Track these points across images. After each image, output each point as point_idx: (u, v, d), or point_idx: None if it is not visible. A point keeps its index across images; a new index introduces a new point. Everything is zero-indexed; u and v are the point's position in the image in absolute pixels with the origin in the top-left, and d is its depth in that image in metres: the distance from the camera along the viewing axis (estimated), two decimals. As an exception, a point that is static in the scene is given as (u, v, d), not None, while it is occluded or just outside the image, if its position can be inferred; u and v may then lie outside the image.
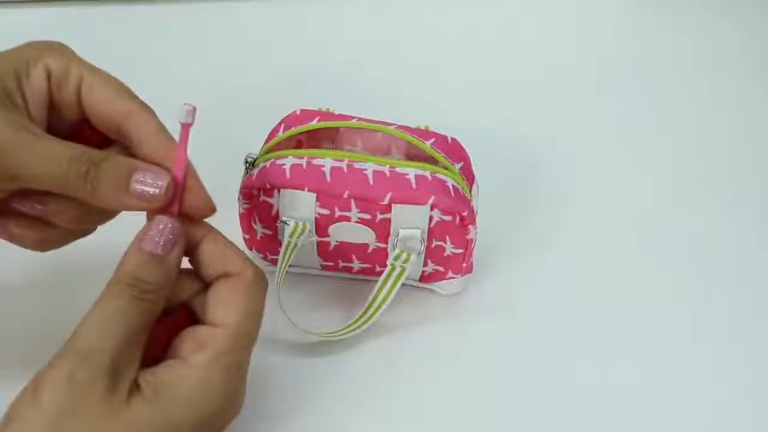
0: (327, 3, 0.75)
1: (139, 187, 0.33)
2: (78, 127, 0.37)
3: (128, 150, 0.36)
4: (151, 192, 0.33)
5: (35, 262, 0.42)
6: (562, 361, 0.46)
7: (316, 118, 0.46)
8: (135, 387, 0.31)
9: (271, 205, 0.44)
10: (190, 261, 0.36)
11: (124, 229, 0.35)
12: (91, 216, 0.37)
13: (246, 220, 0.46)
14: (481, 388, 0.45)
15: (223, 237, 0.36)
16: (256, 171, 0.44)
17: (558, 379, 0.45)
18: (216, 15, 0.73)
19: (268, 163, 0.44)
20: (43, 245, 0.37)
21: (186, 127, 0.34)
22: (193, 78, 0.65)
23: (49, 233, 0.36)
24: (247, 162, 0.46)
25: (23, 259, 0.40)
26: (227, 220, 0.47)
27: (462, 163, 0.46)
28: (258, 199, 0.44)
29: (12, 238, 0.36)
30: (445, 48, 0.71)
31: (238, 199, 0.45)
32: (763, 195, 0.59)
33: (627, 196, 0.58)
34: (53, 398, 0.29)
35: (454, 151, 0.46)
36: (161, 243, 0.33)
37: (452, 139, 0.46)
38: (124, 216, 0.37)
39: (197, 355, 0.32)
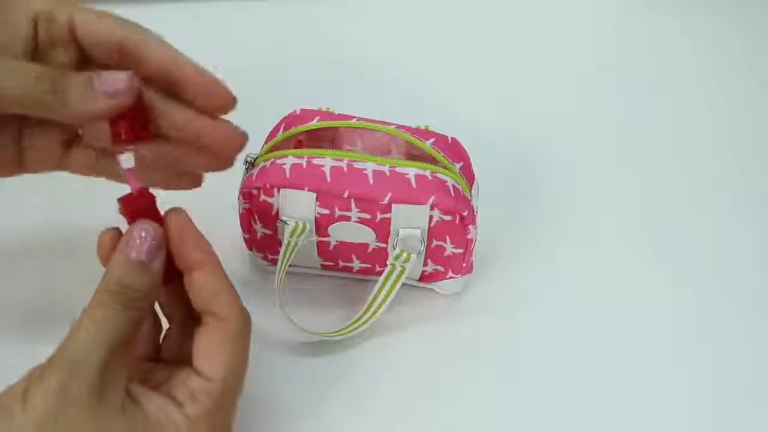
0: (327, 3, 0.75)
1: (103, 86, 0.34)
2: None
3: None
4: (116, 86, 0.34)
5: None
6: (562, 360, 0.46)
7: (316, 118, 0.46)
8: (128, 397, 0.32)
9: (271, 205, 0.44)
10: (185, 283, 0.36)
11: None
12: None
13: (246, 220, 0.46)
14: (481, 388, 0.45)
15: (219, 270, 0.35)
16: (256, 171, 0.44)
17: (558, 379, 0.45)
18: (216, 15, 0.73)
19: (268, 163, 0.44)
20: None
21: (130, 172, 0.35)
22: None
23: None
24: (247, 162, 0.46)
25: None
26: (227, 220, 0.47)
27: (462, 163, 0.46)
28: (258, 199, 0.44)
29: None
30: (445, 48, 0.71)
31: (238, 199, 0.45)
32: (763, 195, 0.59)
33: (627, 196, 0.58)
34: (43, 404, 0.29)
35: (454, 150, 0.46)
36: (145, 250, 0.33)
37: (452, 139, 0.46)
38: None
39: (189, 408, 0.33)
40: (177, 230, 0.35)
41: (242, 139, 0.39)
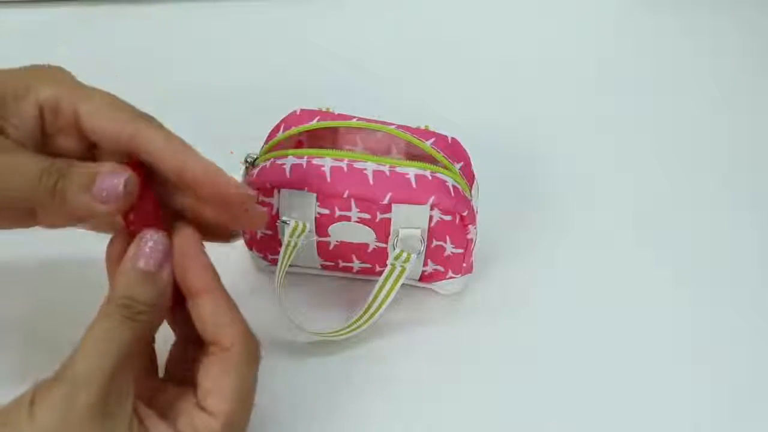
0: (327, 3, 0.75)
1: (100, 191, 0.33)
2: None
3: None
4: (115, 191, 0.33)
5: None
6: (562, 360, 0.46)
7: (316, 118, 0.46)
8: (136, 417, 0.32)
9: (271, 205, 0.44)
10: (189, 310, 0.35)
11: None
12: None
13: (246, 220, 0.46)
14: (481, 387, 0.45)
15: (225, 297, 0.35)
16: (256, 171, 0.44)
17: (558, 379, 0.45)
18: (216, 15, 0.73)
19: (268, 163, 0.44)
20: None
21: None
22: (193, 78, 0.65)
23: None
24: (247, 162, 0.46)
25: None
26: (227, 219, 0.47)
27: (462, 163, 0.46)
28: (258, 199, 0.44)
29: None
30: (445, 48, 0.71)
31: (238, 198, 0.45)
32: (763, 195, 0.59)
33: (627, 196, 0.58)
34: (49, 418, 0.29)
35: (454, 150, 0.46)
36: (152, 259, 0.33)
37: (452, 138, 0.46)
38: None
39: None
40: (182, 253, 0.34)
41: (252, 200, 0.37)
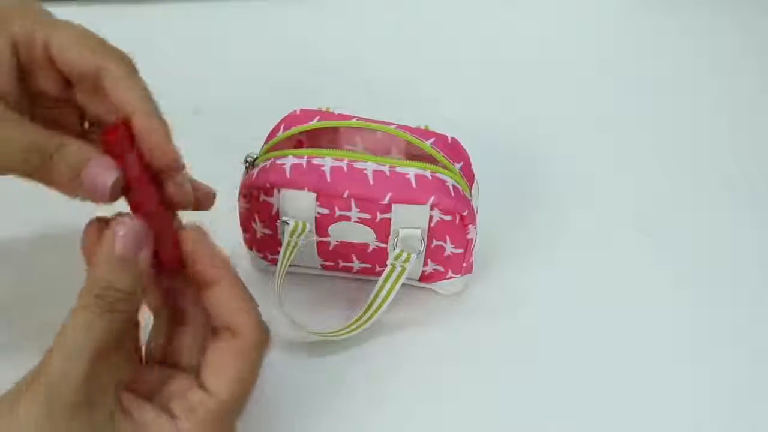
0: (327, 3, 0.75)
1: (86, 181, 0.32)
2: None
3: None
4: (99, 187, 0.32)
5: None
6: (562, 360, 0.46)
7: (316, 118, 0.46)
8: (119, 408, 0.31)
9: (271, 205, 0.44)
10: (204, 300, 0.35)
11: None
12: None
13: (246, 219, 0.46)
14: (481, 388, 0.45)
15: (240, 286, 0.34)
16: (256, 171, 0.44)
17: (558, 379, 0.45)
18: (216, 15, 0.73)
19: (268, 163, 0.44)
20: None
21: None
22: (194, 78, 0.65)
23: None
24: (247, 162, 0.46)
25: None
26: (227, 220, 0.47)
27: (462, 163, 0.46)
28: (258, 199, 0.44)
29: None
30: (445, 48, 0.71)
31: (238, 198, 0.45)
32: (763, 195, 0.59)
33: (627, 196, 0.58)
34: (31, 415, 0.29)
35: (454, 150, 0.46)
36: (126, 245, 0.32)
37: (452, 138, 0.46)
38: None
39: (184, 422, 0.32)
40: (192, 246, 0.34)
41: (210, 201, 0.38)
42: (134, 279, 0.32)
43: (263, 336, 0.34)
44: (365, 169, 0.43)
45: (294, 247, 0.44)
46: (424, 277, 0.48)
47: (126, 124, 0.34)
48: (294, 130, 0.45)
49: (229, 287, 0.34)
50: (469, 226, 0.44)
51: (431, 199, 0.42)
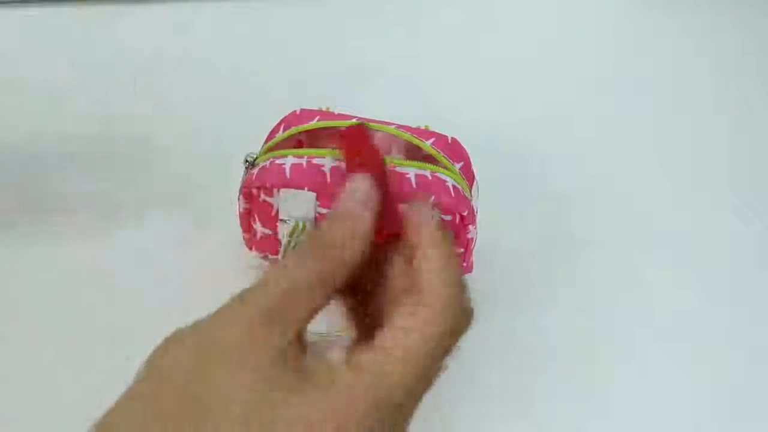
0: (327, 3, 0.75)
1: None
2: None
3: None
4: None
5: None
6: (561, 360, 0.46)
7: (316, 118, 0.46)
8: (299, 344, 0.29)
9: (271, 205, 0.44)
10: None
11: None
12: None
13: (246, 219, 0.46)
14: (482, 387, 0.45)
15: (450, 260, 0.32)
16: (256, 170, 0.44)
17: (558, 379, 0.45)
18: (216, 15, 0.73)
19: (268, 163, 0.44)
20: None
21: None
22: (194, 78, 0.65)
23: None
24: (247, 161, 0.46)
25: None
26: (227, 219, 0.47)
27: (462, 163, 0.46)
28: (258, 199, 0.44)
29: None
30: (445, 48, 0.71)
31: (238, 198, 0.45)
32: (763, 195, 0.59)
33: (627, 196, 0.58)
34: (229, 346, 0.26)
35: (454, 150, 0.46)
36: (351, 201, 0.32)
37: (452, 138, 0.46)
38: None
39: (346, 375, 0.28)
40: (415, 227, 0.33)
41: None
42: (350, 232, 0.31)
43: (454, 312, 0.30)
44: (365, 169, 0.43)
45: (294, 247, 0.44)
46: (424, 277, 0.48)
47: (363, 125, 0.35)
48: (294, 130, 0.45)
49: (437, 257, 0.31)
50: (469, 226, 0.44)
51: (431, 199, 0.42)
